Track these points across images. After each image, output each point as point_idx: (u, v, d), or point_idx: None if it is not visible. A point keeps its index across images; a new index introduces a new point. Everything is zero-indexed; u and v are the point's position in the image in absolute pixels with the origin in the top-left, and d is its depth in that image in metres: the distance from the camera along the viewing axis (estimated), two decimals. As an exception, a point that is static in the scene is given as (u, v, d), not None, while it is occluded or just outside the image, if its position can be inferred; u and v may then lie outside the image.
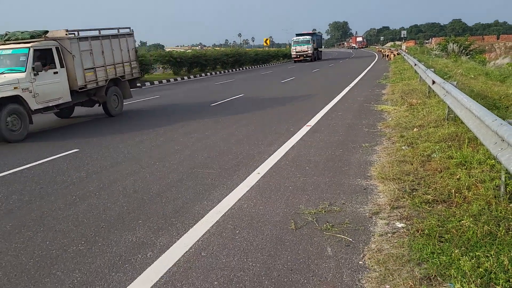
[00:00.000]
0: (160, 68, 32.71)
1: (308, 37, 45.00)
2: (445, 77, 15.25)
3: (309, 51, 44.04)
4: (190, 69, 32.42)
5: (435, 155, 5.66)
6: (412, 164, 5.45)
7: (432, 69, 11.09)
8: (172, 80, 27.04)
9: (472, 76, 15.26)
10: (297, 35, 47.08)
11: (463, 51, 33.23)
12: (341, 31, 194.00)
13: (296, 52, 44.55)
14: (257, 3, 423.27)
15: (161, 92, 18.87)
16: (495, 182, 4.31)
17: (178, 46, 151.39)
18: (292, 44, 45.61)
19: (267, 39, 57.30)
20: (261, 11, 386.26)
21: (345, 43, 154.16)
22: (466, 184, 4.41)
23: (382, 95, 13.12)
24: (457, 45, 33.80)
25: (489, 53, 54.22)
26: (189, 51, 36.19)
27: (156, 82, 24.90)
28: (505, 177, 4.03)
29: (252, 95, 15.67)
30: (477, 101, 9.62)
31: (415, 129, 7.55)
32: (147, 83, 24.33)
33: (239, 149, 7.14)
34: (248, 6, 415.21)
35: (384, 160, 5.86)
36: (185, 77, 29.29)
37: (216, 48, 64.19)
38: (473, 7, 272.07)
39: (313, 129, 8.52)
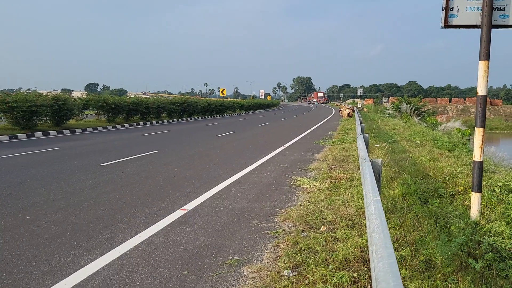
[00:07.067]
0: (93, 114, 29.86)
1: None
2: (389, 141, 13.28)
3: None
4: (128, 116, 29.73)
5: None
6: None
7: (366, 134, 8.76)
8: (100, 128, 24.13)
9: (418, 141, 13.35)
10: None
11: (415, 111, 32.49)
12: (305, 86, 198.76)
13: None
14: (224, 57, 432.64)
15: (67, 143, 15.87)
16: None
17: (144, 92, 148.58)
18: None
19: (223, 90, 55.61)
20: (228, 63, 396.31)
21: (307, 98, 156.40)
22: None
23: (312, 162, 10.79)
24: (409, 106, 33.08)
25: (442, 115, 54.80)
26: (132, 97, 33.59)
27: (78, 130, 21.93)
28: None
29: (168, 152, 13.03)
30: (416, 182, 7.35)
31: (322, 228, 5.07)
32: (78, 130, 21.57)
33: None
34: (216, 58, 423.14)
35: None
36: (118, 126, 26.43)
37: (163, 95, 61.95)
38: (427, 71, 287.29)
39: (185, 216, 5.85)
